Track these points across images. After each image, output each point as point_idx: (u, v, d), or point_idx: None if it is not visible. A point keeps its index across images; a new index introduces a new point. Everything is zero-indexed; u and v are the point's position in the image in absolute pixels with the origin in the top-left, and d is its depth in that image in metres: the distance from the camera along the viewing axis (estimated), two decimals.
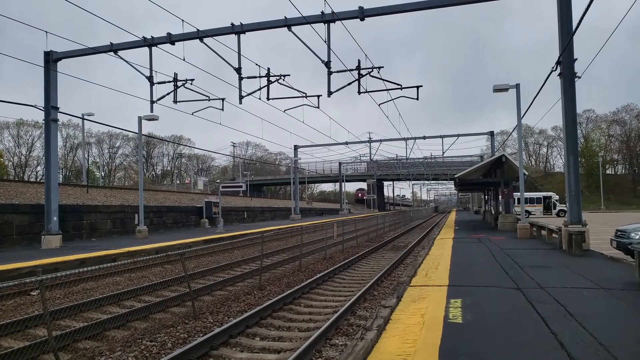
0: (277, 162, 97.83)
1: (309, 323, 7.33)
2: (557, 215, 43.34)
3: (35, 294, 9.70)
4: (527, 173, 25.37)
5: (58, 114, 19.16)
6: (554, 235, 15.66)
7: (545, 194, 49.59)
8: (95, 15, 14.83)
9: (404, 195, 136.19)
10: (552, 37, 14.16)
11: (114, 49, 17.82)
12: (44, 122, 19.53)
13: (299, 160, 52.03)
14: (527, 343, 4.78)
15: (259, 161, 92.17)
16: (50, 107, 18.62)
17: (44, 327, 6.48)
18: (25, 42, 77.73)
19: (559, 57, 13.30)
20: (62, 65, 19.30)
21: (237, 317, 7.41)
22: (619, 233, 11.96)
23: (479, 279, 8.62)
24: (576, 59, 13.40)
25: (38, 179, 59.01)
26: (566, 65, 13.37)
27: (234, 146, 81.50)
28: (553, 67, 13.49)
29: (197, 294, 9.25)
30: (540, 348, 4.60)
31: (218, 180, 53.63)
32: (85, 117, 30.18)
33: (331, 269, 12.15)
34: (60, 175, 64.78)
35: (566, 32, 13.38)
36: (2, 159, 60.37)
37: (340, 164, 66.79)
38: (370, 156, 58.29)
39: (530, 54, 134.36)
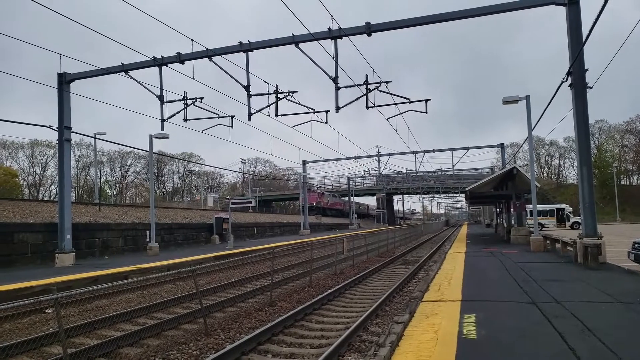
0: (285, 178, 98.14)
1: (320, 339, 7.26)
2: (571, 227, 42.64)
3: (50, 311, 9.77)
4: (539, 185, 25.11)
5: (71, 133, 19.54)
6: (568, 248, 15.40)
7: (558, 206, 48.90)
8: (107, 37, 15.22)
9: (414, 209, 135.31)
10: (562, 48, 14.16)
11: (125, 69, 18.19)
12: (57, 142, 19.90)
13: (307, 176, 52.13)
14: (544, 359, 4.68)
15: (268, 177, 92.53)
16: (64, 127, 19.00)
17: (59, 344, 6.51)
18: (39, 64, 79.83)
19: (570, 68, 13.25)
20: (74, 86, 19.76)
21: (248, 333, 7.37)
22: (636, 245, 11.72)
23: (492, 294, 8.49)
24: (587, 69, 13.32)
25: (52, 198, 59.86)
26: (577, 75, 13.28)
27: (243, 162, 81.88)
28: (564, 78, 13.43)
29: (209, 310, 9.23)
30: None
31: (228, 197, 53.94)
32: (97, 136, 30.75)
33: (342, 284, 12.06)
34: (73, 194, 65.64)
35: (576, 42, 13.33)
36: (17, 179, 61.45)
37: (349, 178, 66.75)
38: (379, 170, 58.20)
39: (540, 66, 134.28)
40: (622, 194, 65.41)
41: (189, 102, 18.52)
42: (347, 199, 74.55)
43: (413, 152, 42.71)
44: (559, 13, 13.95)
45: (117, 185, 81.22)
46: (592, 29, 9.56)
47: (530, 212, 22.75)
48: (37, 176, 70.48)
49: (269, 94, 17.79)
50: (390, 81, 16.90)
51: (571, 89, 13.51)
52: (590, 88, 13.32)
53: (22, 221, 19.78)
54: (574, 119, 13.56)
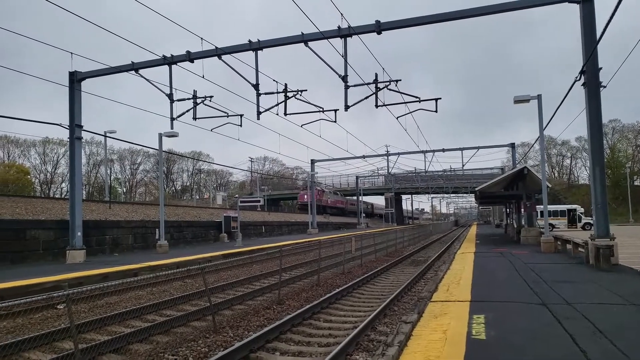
0: (294, 177, 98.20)
1: (328, 338, 7.26)
2: (583, 228, 42.10)
3: (61, 307, 9.90)
4: (550, 185, 24.85)
5: (82, 132, 19.73)
6: (579, 249, 15.21)
7: (569, 206, 48.27)
8: (118, 36, 15.34)
9: (423, 209, 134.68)
10: (575, 46, 13.96)
11: (135, 67, 18.29)
12: (68, 140, 20.11)
13: (315, 174, 52.08)
14: None
15: (276, 176, 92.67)
16: (75, 125, 19.18)
17: (71, 340, 6.59)
18: (50, 62, 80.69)
19: (583, 67, 13.02)
20: (85, 84, 19.93)
21: (257, 331, 7.40)
22: None
23: (502, 294, 8.42)
24: (601, 68, 13.08)
25: (63, 195, 60.56)
26: (590, 74, 13.05)
27: (251, 161, 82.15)
28: (577, 77, 13.21)
29: (218, 308, 9.28)
30: None
31: (236, 195, 54.12)
32: (108, 134, 31.00)
33: (350, 283, 12.04)
34: (84, 192, 66.33)
35: (590, 40, 13.10)
36: (29, 176, 62.28)
37: (357, 177, 66.58)
38: (388, 169, 57.97)
39: (551, 65, 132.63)
40: (635, 195, 64.44)
41: (198, 100, 18.61)
42: (350, 197, 74.34)
43: (422, 152, 42.43)
44: (572, 10, 13.76)
45: (127, 183, 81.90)
46: (606, 26, 9.41)
47: (541, 212, 22.52)
48: (48, 174, 71.32)
49: (277, 92, 17.81)
50: (400, 80, 16.83)
51: (584, 88, 13.28)
52: (604, 87, 13.09)
53: (34, 218, 20.06)
54: (587, 118, 13.34)
